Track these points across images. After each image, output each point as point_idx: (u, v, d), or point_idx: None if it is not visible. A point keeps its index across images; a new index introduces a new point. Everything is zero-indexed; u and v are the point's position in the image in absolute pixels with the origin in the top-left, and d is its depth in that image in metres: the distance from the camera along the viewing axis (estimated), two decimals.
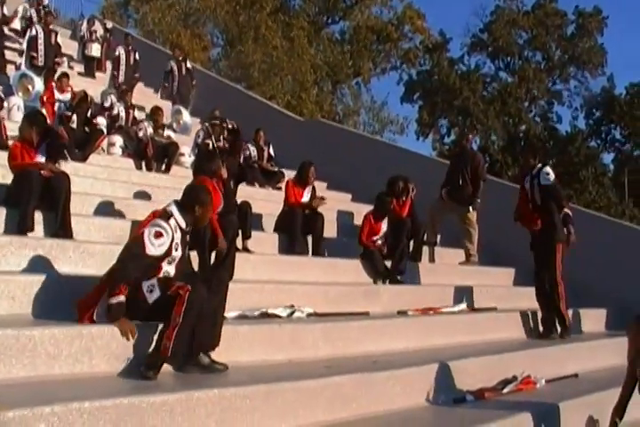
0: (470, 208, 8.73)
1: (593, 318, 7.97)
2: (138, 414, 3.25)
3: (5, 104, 9.32)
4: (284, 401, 3.87)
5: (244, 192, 8.30)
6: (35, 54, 12.04)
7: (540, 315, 7.29)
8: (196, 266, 5.87)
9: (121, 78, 13.32)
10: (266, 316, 5.14)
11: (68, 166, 6.73)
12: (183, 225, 4.18)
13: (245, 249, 6.89)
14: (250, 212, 7.07)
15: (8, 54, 12.87)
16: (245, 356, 4.47)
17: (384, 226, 7.83)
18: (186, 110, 12.47)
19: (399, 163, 10.65)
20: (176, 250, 4.12)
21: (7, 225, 5.36)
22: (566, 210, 6.94)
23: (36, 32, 12.14)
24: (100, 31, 15.10)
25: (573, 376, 6.10)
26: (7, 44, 13.06)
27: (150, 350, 3.86)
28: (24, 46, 12.21)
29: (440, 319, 6.51)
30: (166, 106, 12.09)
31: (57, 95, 9.50)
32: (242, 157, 10.50)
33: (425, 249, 8.84)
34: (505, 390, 5.22)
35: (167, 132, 10.03)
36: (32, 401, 3.03)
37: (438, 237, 9.22)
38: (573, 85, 39.05)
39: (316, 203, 7.98)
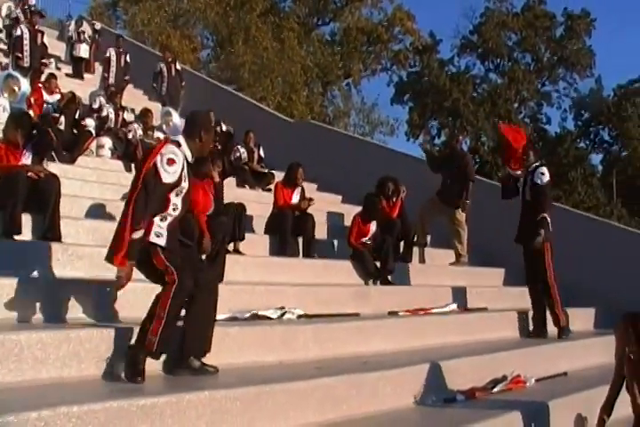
0: (460, 209, 8.74)
1: (582, 318, 7.99)
2: (127, 418, 3.23)
3: None
4: (275, 403, 3.86)
5: (234, 194, 8.28)
6: (20, 55, 11.97)
7: (530, 314, 7.32)
8: None
9: (111, 80, 13.26)
10: (256, 317, 5.13)
11: (56, 168, 6.71)
12: (189, 155, 4.15)
13: (237, 251, 6.89)
14: (244, 214, 7.09)
15: None
16: (236, 357, 4.45)
17: (373, 227, 7.84)
18: (175, 112, 12.43)
19: (389, 164, 10.66)
20: (184, 181, 4.07)
21: None
22: (545, 214, 6.97)
23: (22, 32, 12.07)
24: (88, 32, 15.04)
25: (563, 375, 6.13)
26: None
27: (132, 346, 3.80)
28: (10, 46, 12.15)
29: (430, 320, 6.52)
30: (156, 107, 12.06)
31: (45, 97, 9.46)
32: (232, 159, 10.51)
33: (415, 250, 8.86)
34: (495, 390, 5.23)
35: (157, 134, 10.00)
36: (18, 406, 3.00)
37: (428, 237, 9.24)
38: (562, 87, 39.31)
39: (305, 204, 8.00)
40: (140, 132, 9.64)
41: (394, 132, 34.80)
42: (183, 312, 4.00)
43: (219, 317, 4.86)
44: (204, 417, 3.51)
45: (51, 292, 4.25)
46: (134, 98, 13.73)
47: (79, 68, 14.58)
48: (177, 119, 12.24)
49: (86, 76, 14.61)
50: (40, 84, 9.79)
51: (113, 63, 13.44)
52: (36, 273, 4.72)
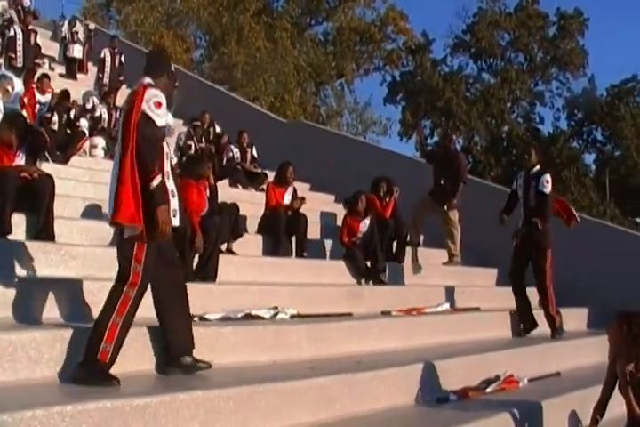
0: (445, 208, 8.75)
1: (575, 318, 8.02)
2: (121, 417, 3.23)
3: None
4: (268, 402, 3.86)
5: (228, 194, 8.29)
6: (13, 55, 11.93)
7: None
8: None
9: (105, 80, 13.25)
10: (249, 317, 5.13)
11: (49, 168, 6.70)
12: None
13: (229, 251, 6.90)
14: (237, 214, 7.12)
15: None
16: (229, 357, 4.46)
17: (363, 225, 7.86)
18: (169, 112, 12.41)
19: (382, 164, 10.67)
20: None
21: None
22: (548, 224, 7.11)
23: (15, 32, 12.03)
24: (81, 32, 15.01)
25: (556, 375, 6.15)
26: None
27: (85, 356, 3.60)
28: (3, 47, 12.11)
29: (423, 320, 6.53)
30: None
31: (38, 97, 9.43)
32: (225, 159, 10.52)
33: (408, 250, 8.88)
34: (488, 390, 5.24)
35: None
36: (12, 406, 3.00)
37: (421, 237, 9.25)
38: (555, 86, 39.44)
39: (297, 204, 8.02)
40: None
41: (387, 131, 34.90)
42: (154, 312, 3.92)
43: (212, 317, 4.90)
44: (198, 417, 3.52)
45: (44, 291, 4.24)
46: None
47: (72, 68, 14.55)
48: (170, 119, 12.23)
49: (79, 76, 14.57)
50: (33, 85, 9.77)
51: (107, 64, 13.42)
52: (29, 273, 4.72)
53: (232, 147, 10.68)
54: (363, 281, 7.52)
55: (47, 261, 4.88)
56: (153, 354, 4.04)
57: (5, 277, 4.44)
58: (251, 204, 8.52)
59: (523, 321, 7.31)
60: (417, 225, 8.99)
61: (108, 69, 13.36)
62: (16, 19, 13.03)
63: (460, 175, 8.87)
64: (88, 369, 3.57)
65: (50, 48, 15.26)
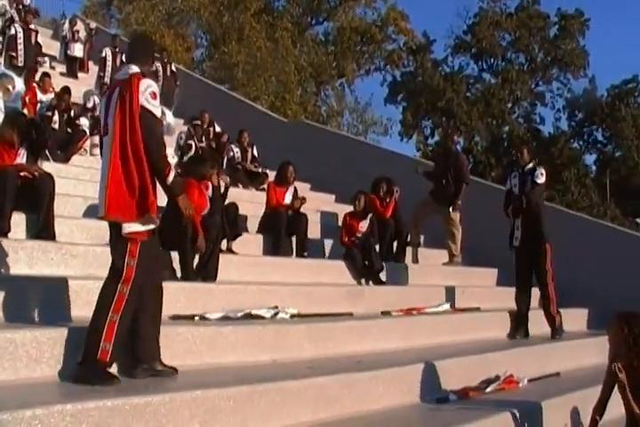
0: (451, 209, 8.76)
1: (575, 318, 8.03)
2: (121, 416, 3.24)
3: None
4: (268, 402, 3.86)
5: (229, 193, 8.27)
6: (14, 54, 11.91)
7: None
8: (177, 267, 5.90)
9: (106, 79, 13.22)
10: (249, 317, 5.14)
11: (50, 167, 6.70)
12: None
13: (230, 250, 6.90)
14: (237, 213, 7.12)
15: None
16: (229, 357, 4.46)
17: (363, 225, 7.87)
18: (169, 111, 12.42)
19: (383, 164, 10.68)
20: None
21: None
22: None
23: (16, 31, 12.01)
24: (82, 31, 15.01)
25: (555, 375, 6.15)
26: None
27: (84, 356, 3.59)
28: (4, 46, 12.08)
29: (423, 320, 6.54)
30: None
31: (39, 96, 9.43)
32: (225, 158, 10.52)
33: (409, 250, 8.88)
34: (488, 390, 5.25)
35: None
36: (12, 405, 3.00)
37: (422, 237, 9.26)
38: (556, 87, 39.41)
39: (298, 203, 8.03)
40: None
41: (387, 131, 34.87)
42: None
43: (212, 316, 4.90)
44: (198, 416, 3.52)
45: (45, 291, 4.25)
46: None
47: (73, 67, 14.54)
48: (171, 119, 12.23)
49: (80, 75, 14.57)
50: (34, 84, 9.76)
51: (109, 62, 13.40)
52: (29, 272, 4.73)
53: (232, 146, 10.68)
54: (363, 281, 7.52)
55: (48, 261, 4.89)
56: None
57: (6, 276, 4.45)
58: (251, 203, 8.53)
59: (517, 326, 7.28)
60: (417, 225, 9.00)
61: (109, 68, 13.33)
62: (16, 18, 13.01)
63: (463, 176, 8.88)
64: (88, 369, 3.57)
65: (50, 47, 15.24)
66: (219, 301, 5.21)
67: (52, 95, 9.43)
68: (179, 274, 5.87)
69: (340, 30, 32.79)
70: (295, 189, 8.38)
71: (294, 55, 29.06)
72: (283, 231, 7.57)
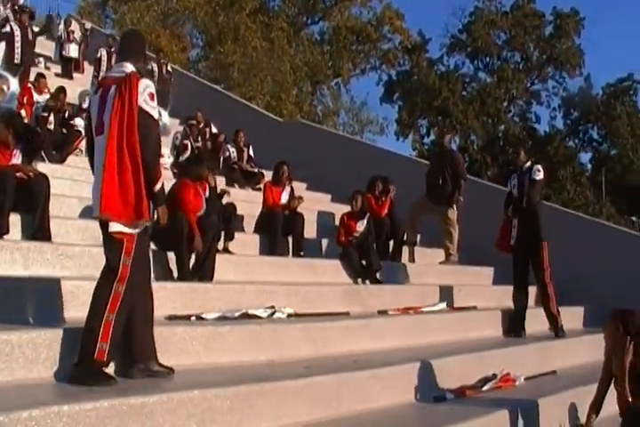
0: (452, 207, 8.76)
1: (571, 316, 8.04)
2: (118, 417, 3.23)
3: None
4: (265, 401, 3.87)
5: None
6: (12, 52, 11.87)
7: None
8: (174, 267, 5.90)
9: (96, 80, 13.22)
10: (246, 317, 5.13)
11: (45, 168, 6.69)
12: None
13: (226, 250, 6.90)
14: (235, 213, 7.13)
15: None
16: (226, 357, 4.46)
17: (360, 225, 7.88)
18: (165, 111, 12.40)
19: (379, 163, 10.68)
20: None
21: None
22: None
23: (12, 29, 11.97)
24: (77, 32, 14.99)
25: (552, 373, 6.17)
26: None
27: (80, 356, 3.57)
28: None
29: (420, 319, 6.54)
30: None
31: (35, 97, 9.42)
32: (221, 158, 10.52)
33: (405, 249, 8.89)
34: (485, 388, 5.26)
35: None
36: (9, 406, 2.99)
37: (418, 236, 9.26)
38: (551, 86, 39.47)
39: (294, 203, 8.03)
40: None
41: (383, 131, 34.97)
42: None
43: (209, 316, 4.90)
44: (195, 416, 3.52)
45: (41, 291, 4.25)
46: None
47: (68, 67, 14.52)
48: (166, 119, 12.21)
49: (75, 75, 14.55)
50: (29, 84, 9.74)
51: (104, 63, 13.37)
52: (25, 273, 4.72)
53: (228, 146, 10.69)
54: (359, 280, 7.53)
55: (43, 261, 4.88)
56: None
57: (1, 277, 4.45)
58: (247, 203, 8.52)
59: (514, 325, 7.28)
60: (414, 224, 9.00)
61: (104, 68, 13.29)
62: (12, 17, 12.98)
63: (461, 174, 8.89)
64: (85, 369, 3.56)
65: (45, 47, 15.23)
66: (215, 301, 5.21)
67: (47, 96, 9.42)
68: (175, 274, 5.87)
69: (336, 30, 32.82)
70: (292, 189, 8.39)
71: (290, 55, 29.06)
72: (279, 231, 7.58)
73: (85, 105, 10.51)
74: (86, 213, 6.40)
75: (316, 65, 30.89)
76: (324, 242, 8.17)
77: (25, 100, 9.26)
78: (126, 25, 27.29)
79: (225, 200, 7.26)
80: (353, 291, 6.73)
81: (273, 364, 4.65)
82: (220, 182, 9.20)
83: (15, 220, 5.48)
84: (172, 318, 4.73)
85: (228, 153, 10.59)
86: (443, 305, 7.20)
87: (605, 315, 4.65)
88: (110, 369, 3.74)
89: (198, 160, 7.42)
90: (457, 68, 39.04)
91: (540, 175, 7.25)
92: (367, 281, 7.53)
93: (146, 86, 3.74)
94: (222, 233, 6.83)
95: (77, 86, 12.71)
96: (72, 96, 10.62)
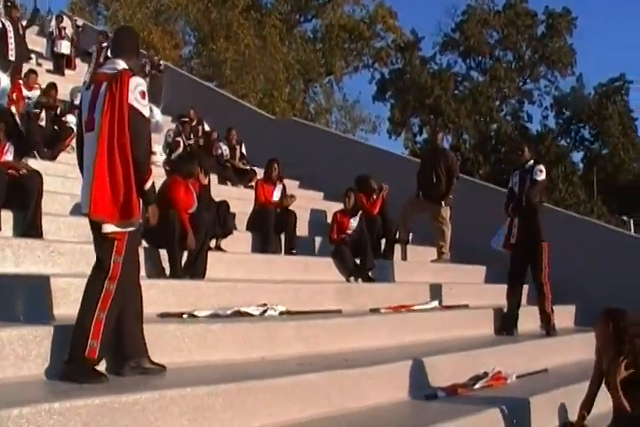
0: (443, 204, 8.77)
1: (562, 315, 8.05)
2: (109, 414, 3.22)
3: None
4: (257, 399, 3.86)
5: (217, 191, 8.27)
6: (5, 48, 11.81)
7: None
8: (166, 264, 5.88)
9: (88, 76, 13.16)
10: (238, 314, 5.13)
11: (37, 165, 6.66)
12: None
13: (218, 248, 6.89)
14: (228, 211, 7.11)
15: None
16: (218, 354, 4.45)
17: (353, 222, 7.89)
18: (157, 108, 12.37)
19: (371, 161, 10.69)
20: None
21: None
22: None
23: (4, 25, 11.90)
24: (69, 28, 14.92)
25: (543, 371, 6.18)
26: None
27: (71, 354, 3.56)
28: None
29: (412, 317, 6.55)
30: None
31: (25, 93, 9.36)
32: (214, 156, 10.50)
33: (397, 247, 8.90)
34: (476, 386, 5.26)
35: None
36: None
37: (410, 235, 9.27)
38: (544, 85, 39.59)
39: (287, 201, 8.02)
40: None
41: (376, 129, 34.97)
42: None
43: (201, 313, 4.89)
44: (187, 414, 3.51)
45: (32, 289, 4.23)
46: None
47: (60, 64, 14.45)
48: (158, 116, 12.19)
49: (67, 72, 14.48)
50: (20, 81, 9.68)
51: (93, 59, 13.34)
52: (16, 270, 4.70)
53: (221, 144, 10.67)
54: (351, 278, 7.53)
55: (35, 258, 4.86)
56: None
57: None
58: (240, 200, 8.51)
59: (506, 323, 7.30)
60: (406, 223, 9.01)
61: (92, 65, 13.28)
62: (3, 12, 12.91)
63: (454, 172, 8.90)
64: (76, 367, 3.55)
65: (36, 43, 15.16)
66: (207, 298, 5.21)
67: (37, 92, 9.37)
68: (167, 272, 5.86)
69: (329, 28, 32.82)
70: (284, 187, 8.38)
71: (282, 52, 29.03)
72: (271, 229, 7.57)
73: (77, 101, 10.48)
74: (78, 210, 6.34)
75: (309, 63, 30.88)
76: (317, 240, 8.16)
77: (15, 97, 9.19)
78: (118, 22, 27.19)
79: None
80: (345, 289, 6.73)
81: (265, 361, 4.64)
82: (213, 180, 9.19)
83: (7, 216, 5.46)
84: (165, 316, 4.72)
85: (220, 151, 10.57)
86: (435, 303, 7.20)
87: (596, 314, 4.66)
88: (102, 367, 3.73)
89: (189, 157, 7.40)
90: (449, 66, 39.17)
91: (541, 176, 7.20)
92: (359, 279, 7.53)
93: (137, 84, 3.72)
94: (218, 231, 6.83)
95: (69, 83, 12.67)
96: (64, 93, 10.58)
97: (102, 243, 3.71)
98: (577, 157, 40.18)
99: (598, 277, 8.71)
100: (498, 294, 7.58)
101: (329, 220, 8.53)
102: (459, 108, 36.13)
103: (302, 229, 8.36)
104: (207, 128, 11.72)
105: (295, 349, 4.98)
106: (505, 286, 7.42)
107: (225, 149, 10.61)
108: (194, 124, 11.35)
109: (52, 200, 6.19)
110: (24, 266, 4.78)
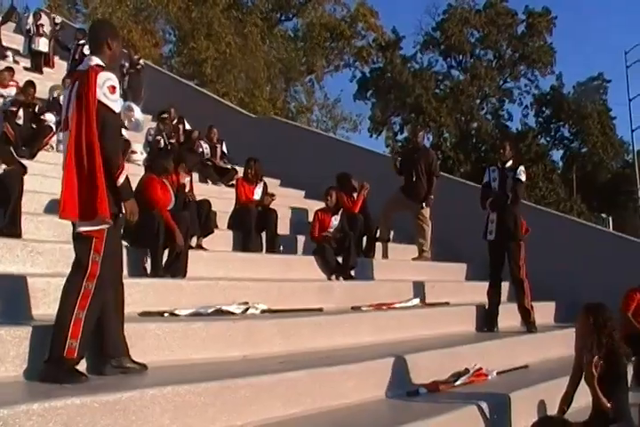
0: (424, 204, 8.80)
1: (542, 311, 8.12)
2: (90, 414, 3.19)
3: None
4: (239, 397, 3.85)
5: (198, 189, 8.23)
6: None
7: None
8: (147, 263, 5.85)
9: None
10: (220, 313, 5.12)
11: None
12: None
13: (200, 246, 6.87)
14: (209, 210, 7.09)
15: None
16: (200, 353, 4.44)
17: (334, 221, 7.90)
18: (137, 107, 12.27)
19: (352, 160, 10.70)
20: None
21: None
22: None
23: None
24: (47, 26, 14.77)
25: (523, 368, 6.23)
26: None
27: (50, 354, 3.52)
28: None
29: (393, 314, 6.57)
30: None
31: (0, 90, 9.27)
32: (197, 154, 10.45)
33: (378, 245, 8.91)
34: (457, 383, 5.29)
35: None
36: None
37: (391, 233, 9.29)
38: (524, 84, 39.88)
39: (267, 200, 8.01)
40: None
41: (357, 127, 35.02)
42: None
43: (182, 312, 4.87)
44: (168, 412, 3.49)
45: (10, 288, 4.18)
46: None
47: (38, 61, 14.31)
48: (139, 115, 12.08)
49: (46, 70, 14.34)
50: None
51: (71, 57, 13.24)
52: None
53: (202, 142, 10.62)
54: (333, 276, 7.53)
55: (13, 258, 4.81)
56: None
57: None
58: (221, 199, 8.48)
59: (487, 320, 7.33)
60: (387, 221, 9.03)
61: (69, 62, 13.17)
62: None
63: (434, 171, 8.93)
64: (55, 367, 3.51)
65: (13, 41, 15.00)
66: (189, 297, 5.19)
67: (13, 89, 9.26)
68: (148, 271, 5.82)
69: (310, 26, 32.79)
70: (265, 185, 8.37)
71: (263, 51, 28.96)
72: (253, 227, 7.55)
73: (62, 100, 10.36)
74: (57, 210, 6.32)
75: (290, 61, 30.83)
76: (298, 238, 8.16)
77: None
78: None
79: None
80: (326, 287, 6.74)
81: (246, 360, 4.64)
82: (194, 178, 9.15)
83: None
84: (146, 315, 4.70)
85: (201, 149, 10.53)
86: (416, 301, 7.23)
87: (576, 310, 4.70)
88: (83, 366, 3.70)
89: (165, 153, 7.35)
90: (430, 65, 39.35)
91: (524, 176, 7.33)
92: (341, 277, 7.54)
93: (106, 79, 3.70)
94: (198, 229, 6.81)
95: (48, 81, 12.55)
96: (43, 91, 10.48)
97: (80, 241, 3.69)
98: (557, 155, 40.59)
99: (578, 274, 8.79)
100: (479, 292, 7.62)
101: (310, 218, 8.53)
102: (439, 107, 36.28)
103: (283, 228, 8.35)
104: (188, 127, 11.67)
105: (277, 347, 4.98)
106: (486, 284, 7.47)
107: (206, 147, 10.57)
108: (174, 122, 11.28)
109: (30, 199, 6.13)
110: (2, 266, 4.72)
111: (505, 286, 7.60)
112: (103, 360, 3.79)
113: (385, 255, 8.95)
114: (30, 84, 8.96)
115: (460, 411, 4.57)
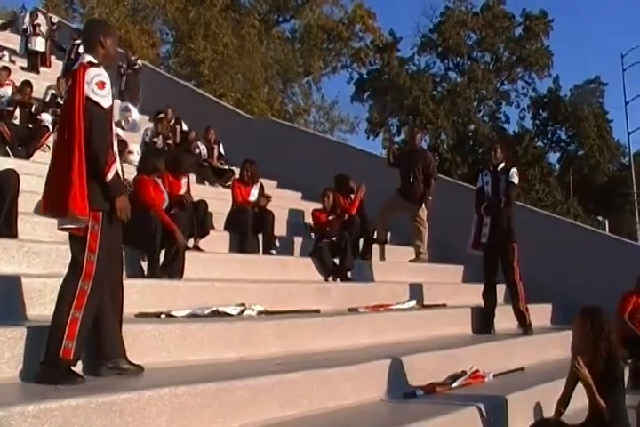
0: (423, 205, 8.80)
1: (539, 314, 8.12)
2: (85, 416, 3.17)
3: None
4: (236, 399, 3.84)
5: (195, 190, 8.22)
6: None
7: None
8: (144, 264, 5.84)
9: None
10: (216, 314, 5.10)
11: (11, 164, 6.57)
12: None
13: (196, 247, 6.85)
14: (206, 211, 7.08)
15: None
16: (197, 354, 4.43)
17: (331, 222, 7.90)
18: (134, 108, 12.28)
19: (349, 162, 10.70)
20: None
21: None
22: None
23: None
24: (44, 25, 14.74)
25: (520, 370, 6.22)
26: None
27: (46, 355, 3.51)
28: None
29: (391, 316, 6.56)
30: (115, 103, 11.87)
31: None
32: (194, 155, 10.43)
33: (375, 247, 8.91)
34: (454, 385, 5.28)
35: (116, 130, 9.81)
36: None
37: (388, 234, 9.29)
38: (521, 86, 39.93)
39: (263, 202, 8.01)
40: None
41: (354, 129, 35.02)
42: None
43: (179, 313, 4.86)
44: (165, 414, 3.48)
45: (5, 289, 4.16)
46: None
47: (34, 61, 14.29)
48: (136, 115, 12.11)
49: (43, 69, 14.32)
50: None
51: (66, 57, 13.22)
52: None
53: (199, 143, 10.61)
54: (330, 278, 7.52)
55: (9, 259, 4.79)
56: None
57: None
58: (218, 200, 8.47)
59: (484, 322, 7.33)
60: (384, 222, 9.03)
61: (64, 62, 13.15)
62: None
63: (432, 173, 8.93)
64: (51, 368, 3.49)
65: (9, 40, 14.97)
66: (185, 298, 5.17)
67: (9, 89, 9.24)
68: (145, 272, 5.81)
69: (307, 28, 32.80)
70: (262, 187, 8.35)
71: (261, 52, 28.97)
72: (249, 228, 7.54)
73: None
74: None
75: (287, 63, 30.83)
76: (294, 240, 8.15)
77: None
78: None
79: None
80: (323, 289, 6.72)
81: (243, 361, 4.62)
82: (191, 179, 9.14)
83: None
84: (142, 316, 4.68)
85: (198, 150, 10.52)
86: (413, 303, 7.22)
87: (573, 312, 4.70)
88: (79, 367, 3.68)
89: (156, 153, 7.32)
90: (427, 67, 39.38)
91: (517, 178, 7.31)
92: (338, 279, 7.53)
93: (94, 75, 3.68)
94: (196, 230, 6.80)
95: (45, 81, 12.53)
96: (40, 91, 10.46)
97: (74, 241, 3.68)
98: (554, 157, 40.65)
99: (574, 277, 8.80)
100: (475, 294, 7.61)
101: (307, 220, 8.52)
102: (437, 109, 36.31)
103: (280, 229, 8.34)
104: (185, 127, 11.65)
105: (274, 348, 4.96)
106: (482, 286, 7.46)
107: (203, 148, 10.56)
108: (171, 123, 11.27)
109: (26, 200, 6.09)
110: None
111: (501, 288, 7.60)
112: (99, 361, 3.77)
113: (382, 257, 8.95)
114: (27, 83, 8.95)
115: (456, 413, 4.55)
